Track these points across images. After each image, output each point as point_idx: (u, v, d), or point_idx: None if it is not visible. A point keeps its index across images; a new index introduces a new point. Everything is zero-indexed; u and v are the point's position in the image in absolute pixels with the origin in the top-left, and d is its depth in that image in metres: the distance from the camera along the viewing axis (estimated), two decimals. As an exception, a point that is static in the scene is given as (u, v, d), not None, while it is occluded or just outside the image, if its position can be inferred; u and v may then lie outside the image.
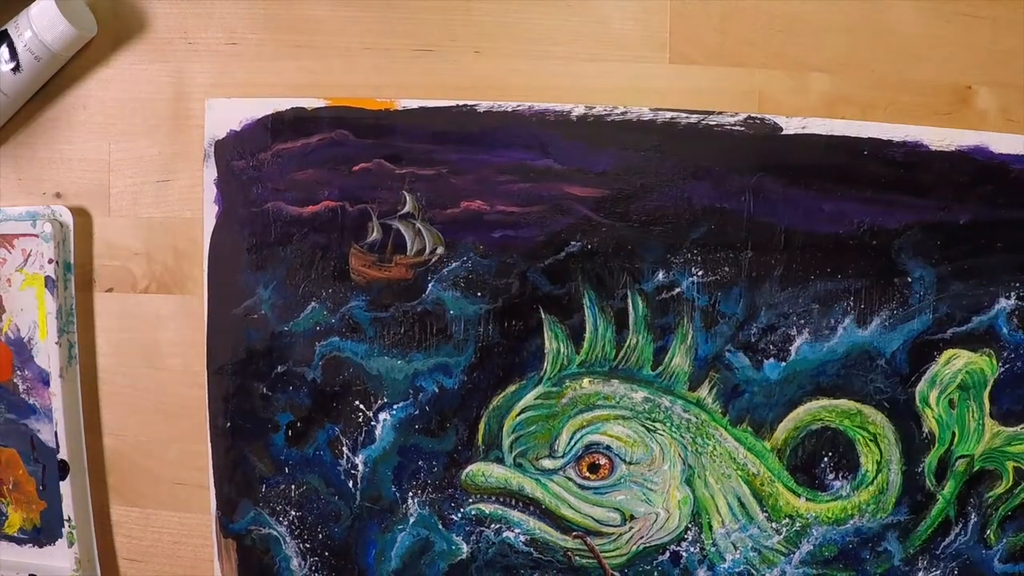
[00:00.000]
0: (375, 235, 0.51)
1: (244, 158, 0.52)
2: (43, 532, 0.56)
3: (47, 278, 0.53)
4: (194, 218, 0.54)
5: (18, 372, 0.55)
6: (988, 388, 0.49)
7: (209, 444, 0.54)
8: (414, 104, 0.50)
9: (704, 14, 0.50)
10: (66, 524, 0.55)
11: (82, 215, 0.55)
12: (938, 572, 0.50)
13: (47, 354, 0.54)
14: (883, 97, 0.49)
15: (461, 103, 0.49)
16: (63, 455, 0.54)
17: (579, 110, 0.49)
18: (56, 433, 0.54)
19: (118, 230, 0.55)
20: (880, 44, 0.49)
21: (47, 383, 0.54)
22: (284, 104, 0.51)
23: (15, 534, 0.57)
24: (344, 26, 0.51)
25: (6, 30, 0.51)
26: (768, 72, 0.49)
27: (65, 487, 0.54)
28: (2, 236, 0.54)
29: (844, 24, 0.49)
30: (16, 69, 0.51)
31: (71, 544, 0.55)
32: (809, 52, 0.49)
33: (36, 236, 0.53)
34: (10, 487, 0.57)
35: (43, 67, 0.52)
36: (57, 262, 0.53)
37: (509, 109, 0.49)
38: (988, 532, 0.50)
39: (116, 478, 0.56)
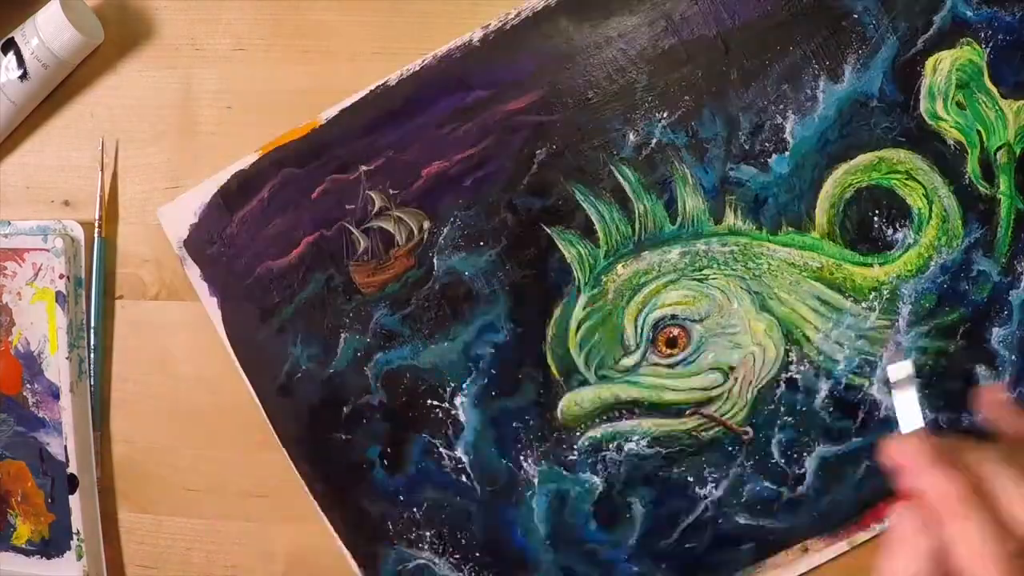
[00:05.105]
0: (363, 244, 0.51)
1: (214, 242, 0.52)
2: (51, 544, 0.56)
3: (57, 293, 0.54)
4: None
5: (28, 385, 0.56)
6: (985, 73, 0.48)
7: (322, 515, 0.53)
8: (334, 111, 0.50)
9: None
10: (75, 537, 0.55)
11: (91, 228, 0.55)
12: (1041, 267, 0.48)
13: (57, 368, 0.54)
14: None
15: (372, 87, 0.50)
16: (72, 469, 0.54)
17: (478, 33, 0.49)
18: (66, 447, 0.54)
19: (127, 237, 0.55)
20: None
21: (57, 397, 0.55)
22: (224, 176, 0.52)
23: (23, 545, 0.57)
24: (352, 31, 0.51)
25: (13, 38, 0.51)
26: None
27: (74, 501, 0.55)
28: (13, 250, 0.55)
29: None
30: (23, 77, 0.51)
31: (79, 557, 0.55)
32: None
33: (47, 251, 0.54)
34: (19, 499, 0.57)
35: (50, 74, 0.52)
36: (68, 277, 0.54)
37: (417, 67, 0.50)
38: (1067, 208, 0.48)
39: (127, 485, 0.57)
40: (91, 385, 0.55)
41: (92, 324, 0.55)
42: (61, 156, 0.56)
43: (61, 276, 0.53)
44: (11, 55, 0.51)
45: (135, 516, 0.57)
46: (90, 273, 0.54)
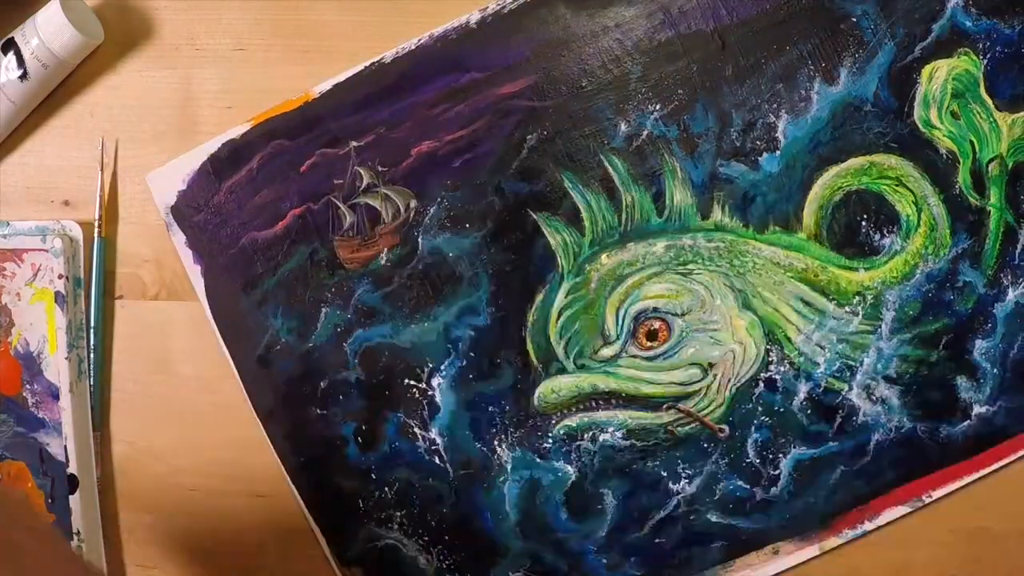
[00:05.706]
0: (349, 219, 0.51)
1: (201, 210, 0.52)
2: None
3: (57, 293, 0.54)
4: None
5: (27, 386, 0.56)
6: (981, 84, 0.48)
7: (293, 488, 0.53)
8: (328, 84, 0.50)
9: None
10: (75, 537, 0.55)
11: (91, 228, 0.55)
12: (1026, 282, 0.48)
13: (56, 369, 0.54)
14: None
15: (368, 63, 0.50)
16: (72, 469, 0.54)
17: (475, 16, 0.49)
18: (65, 447, 0.54)
19: (127, 237, 0.55)
20: None
21: (56, 397, 0.55)
22: (214, 145, 0.52)
23: None
24: (352, 30, 0.51)
25: (13, 38, 0.51)
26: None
27: (74, 501, 0.55)
28: (12, 251, 0.55)
29: None
30: (23, 77, 0.51)
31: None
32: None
33: (46, 251, 0.54)
34: None
35: (50, 74, 0.52)
36: (67, 277, 0.54)
37: (413, 46, 0.50)
38: (1055, 221, 0.48)
39: (127, 485, 0.56)
40: (91, 385, 0.55)
41: (92, 324, 0.55)
42: (61, 156, 0.56)
43: (60, 276, 0.53)
44: (11, 55, 0.51)
45: (135, 516, 0.57)
46: (89, 273, 0.55)
